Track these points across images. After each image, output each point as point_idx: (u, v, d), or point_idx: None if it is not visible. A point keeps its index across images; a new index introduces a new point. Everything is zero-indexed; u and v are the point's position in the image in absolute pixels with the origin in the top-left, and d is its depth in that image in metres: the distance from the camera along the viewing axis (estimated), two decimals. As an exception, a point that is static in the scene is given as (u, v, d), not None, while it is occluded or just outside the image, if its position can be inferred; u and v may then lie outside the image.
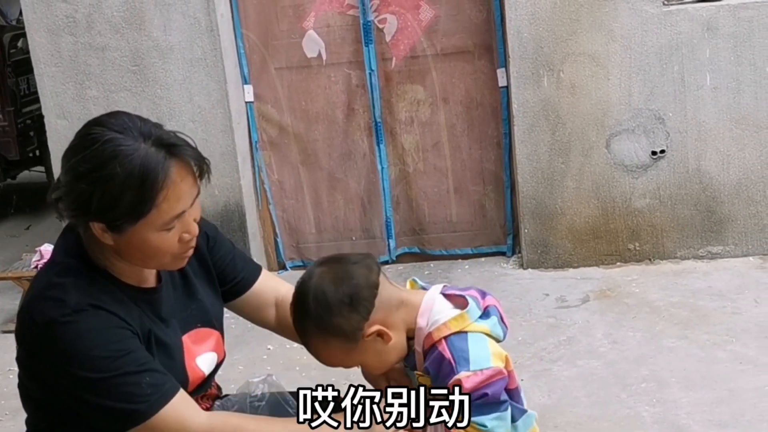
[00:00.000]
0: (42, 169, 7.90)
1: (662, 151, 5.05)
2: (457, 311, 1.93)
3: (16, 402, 4.05)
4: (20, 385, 2.09)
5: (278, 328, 2.34)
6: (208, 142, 5.12)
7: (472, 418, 1.85)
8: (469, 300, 1.95)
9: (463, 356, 1.87)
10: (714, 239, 5.13)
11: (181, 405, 1.90)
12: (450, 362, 1.86)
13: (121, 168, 1.82)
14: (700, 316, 4.41)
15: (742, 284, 4.75)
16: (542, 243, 5.23)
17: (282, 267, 5.67)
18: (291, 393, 2.22)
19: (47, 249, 5.16)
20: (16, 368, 4.84)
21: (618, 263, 5.18)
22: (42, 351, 1.90)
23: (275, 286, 2.34)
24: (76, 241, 1.97)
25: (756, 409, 3.51)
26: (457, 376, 1.85)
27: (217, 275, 2.25)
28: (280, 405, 2.18)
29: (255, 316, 2.33)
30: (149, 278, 2.06)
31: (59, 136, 5.25)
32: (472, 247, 5.54)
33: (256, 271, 2.34)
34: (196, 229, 1.95)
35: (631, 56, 4.94)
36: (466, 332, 1.90)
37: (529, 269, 5.22)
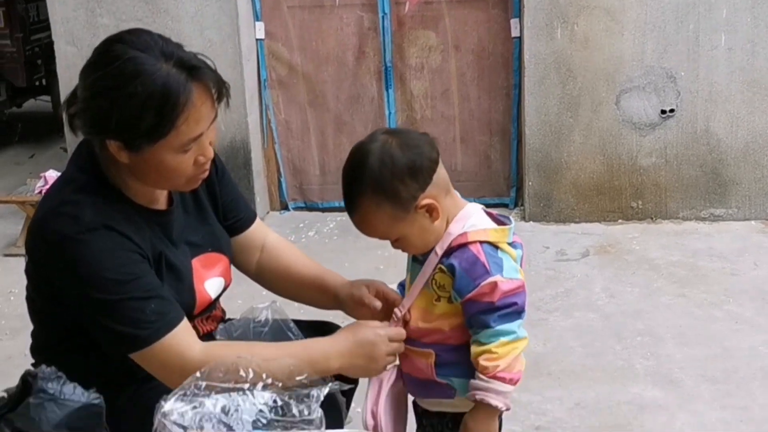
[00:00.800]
0: (48, 98, 7.88)
1: (672, 110, 5.03)
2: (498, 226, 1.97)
3: (17, 322, 4.15)
4: (28, 298, 2.11)
5: (256, 272, 2.36)
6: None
7: (500, 326, 1.89)
8: (512, 221, 2.00)
9: (496, 263, 1.90)
10: (717, 201, 5.14)
11: (182, 335, 1.92)
12: (484, 265, 1.89)
13: (143, 87, 1.81)
14: (699, 276, 4.43)
15: (743, 247, 4.76)
16: (545, 196, 5.24)
17: (284, 207, 5.68)
18: (294, 321, 2.24)
19: (52, 175, 5.16)
20: (16, 290, 4.90)
21: (620, 220, 5.18)
22: (53, 266, 1.92)
23: (264, 233, 2.37)
24: (91, 158, 1.97)
25: (749, 368, 3.53)
26: (492, 279, 1.88)
27: (221, 208, 2.26)
28: (282, 332, 2.20)
29: (238, 258, 2.33)
30: (161, 200, 2.07)
31: (68, 63, 5.23)
32: (475, 197, 5.52)
33: (253, 216, 2.37)
34: (211, 153, 1.96)
35: (646, 12, 4.90)
36: (499, 247, 1.92)
37: (531, 222, 5.22)
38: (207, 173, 2.01)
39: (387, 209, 1.90)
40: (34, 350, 2.14)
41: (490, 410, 1.93)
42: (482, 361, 1.90)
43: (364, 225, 1.95)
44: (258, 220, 2.38)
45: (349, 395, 2.26)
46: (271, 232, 2.40)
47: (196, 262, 2.12)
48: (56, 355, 2.02)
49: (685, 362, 3.60)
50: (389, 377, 2.02)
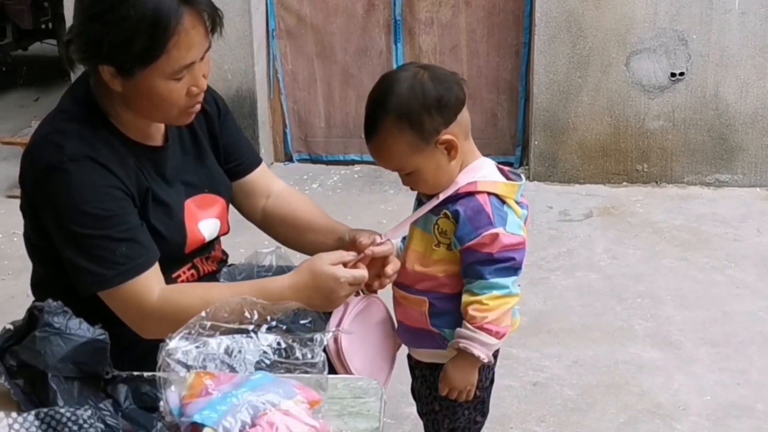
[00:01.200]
0: (54, 41, 7.82)
1: (681, 74, 5.00)
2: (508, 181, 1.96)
3: (19, 263, 4.16)
4: (25, 235, 2.11)
5: (262, 220, 2.33)
6: (224, 26, 5.04)
7: (494, 279, 1.89)
8: (522, 179, 2.00)
9: (501, 215, 1.91)
10: (723, 167, 5.12)
11: (146, 281, 1.91)
12: (489, 215, 1.89)
13: (134, 11, 1.81)
14: (702, 240, 4.43)
15: (747, 213, 4.76)
16: (551, 156, 5.22)
17: (289, 159, 5.66)
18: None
19: (56, 118, 5.15)
20: (19, 231, 4.90)
21: (624, 183, 5.17)
22: (38, 194, 1.93)
23: (271, 180, 2.36)
24: (87, 90, 1.97)
25: (748, 332, 3.55)
26: (494, 230, 1.88)
27: (222, 150, 2.25)
28: (286, 277, 2.19)
29: (243, 203, 2.33)
30: (156, 136, 2.06)
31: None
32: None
33: (258, 159, 2.35)
34: (204, 84, 1.95)
35: (660, -27, 4.85)
36: (506, 201, 1.93)
37: (536, 181, 5.21)
38: (199, 107, 2.00)
39: (408, 137, 1.89)
40: (34, 287, 2.15)
41: (472, 360, 1.94)
42: (471, 311, 1.91)
43: (382, 150, 1.94)
44: (264, 166, 2.36)
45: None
46: (278, 180, 2.38)
47: (191, 202, 2.11)
48: (54, 292, 2.03)
49: (684, 325, 3.61)
50: (356, 302, 2.00)
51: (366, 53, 5.46)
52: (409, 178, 1.97)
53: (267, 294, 1.85)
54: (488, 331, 1.91)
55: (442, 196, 1.95)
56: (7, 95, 7.55)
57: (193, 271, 2.11)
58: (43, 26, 7.60)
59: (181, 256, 2.08)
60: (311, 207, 2.33)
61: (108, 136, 1.95)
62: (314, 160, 5.67)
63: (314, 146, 5.67)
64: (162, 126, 2.08)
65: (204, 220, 2.14)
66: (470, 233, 1.90)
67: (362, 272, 1.93)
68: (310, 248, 2.30)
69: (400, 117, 1.88)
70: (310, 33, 5.45)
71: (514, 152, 5.49)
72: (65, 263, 1.94)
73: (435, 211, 1.97)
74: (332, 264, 1.91)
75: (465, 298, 1.93)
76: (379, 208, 4.81)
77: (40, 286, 2.13)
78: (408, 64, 1.97)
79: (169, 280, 2.03)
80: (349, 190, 5.20)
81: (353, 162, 5.60)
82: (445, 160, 1.93)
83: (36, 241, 2.06)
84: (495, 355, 2.07)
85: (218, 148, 2.23)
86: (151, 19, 1.81)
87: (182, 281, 2.08)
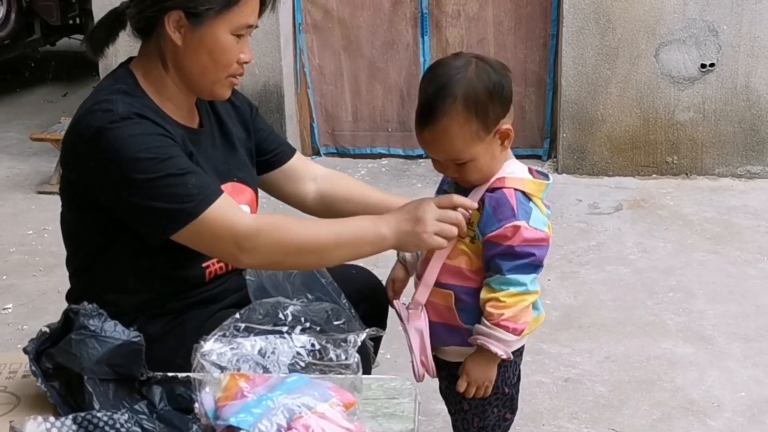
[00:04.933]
0: (82, 37, 7.87)
1: (712, 65, 4.94)
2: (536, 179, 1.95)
3: (51, 259, 4.19)
4: (62, 221, 2.11)
5: (319, 201, 2.33)
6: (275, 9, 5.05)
7: (512, 276, 1.87)
8: (550, 179, 1.98)
9: (525, 210, 1.89)
10: (754, 158, 5.07)
11: (228, 206, 1.92)
12: (513, 208, 1.87)
13: None
14: (733, 233, 4.38)
15: (779, 205, 4.71)
16: (579, 149, 5.19)
17: (316, 152, 5.66)
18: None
19: (85, 114, 5.18)
20: (50, 227, 4.96)
21: (654, 175, 5.13)
22: (90, 161, 1.92)
23: (311, 166, 2.38)
24: (128, 73, 2.01)
25: (781, 327, 3.51)
26: (516, 222, 1.86)
27: (256, 146, 2.27)
28: (313, 275, 2.15)
29: (291, 189, 2.33)
30: (193, 120, 2.09)
31: (104, 2, 5.20)
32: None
33: (292, 149, 2.37)
34: (251, 55, 2.02)
35: (690, -37, 4.80)
36: (531, 198, 1.91)
37: (564, 174, 5.18)
38: (238, 82, 2.04)
39: (473, 126, 1.85)
40: (71, 276, 2.15)
41: (490, 356, 1.93)
42: (488, 307, 1.89)
43: (442, 139, 1.88)
44: (300, 154, 2.39)
45: (376, 341, 2.27)
46: (318, 167, 2.40)
47: (224, 187, 2.12)
48: (91, 279, 2.06)
49: (716, 319, 3.58)
50: (426, 325, 2.00)
51: (393, 47, 5.45)
52: (462, 168, 1.91)
53: (362, 226, 1.92)
54: (505, 328, 1.89)
55: (483, 189, 1.93)
56: (36, 91, 7.60)
57: (222, 263, 2.10)
58: (71, 22, 7.66)
59: None
60: (362, 184, 2.37)
61: (152, 106, 1.98)
62: (341, 154, 5.66)
63: (341, 140, 5.66)
64: (195, 112, 2.11)
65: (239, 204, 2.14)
66: (493, 224, 1.88)
67: (458, 215, 1.90)
68: None
69: (468, 106, 1.84)
70: (336, 27, 5.45)
71: (542, 145, 5.46)
72: (135, 222, 1.93)
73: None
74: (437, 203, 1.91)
75: (483, 293, 1.91)
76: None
77: (76, 273, 2.13)
78: (458, 54, 1.94)
79: (198, 268, 2.04)
80: (377, 184, 5.18)
81: (380, 155, 5.59)
82: (499, 150, 1.91)
83: (74, 221, 2.06)
84: (520, 351, 2.05)
85: (251, 145, 2.24)
86: None
87: (210, 272, 2.08)
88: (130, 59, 2.06)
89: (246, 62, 2.01)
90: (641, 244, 4.30)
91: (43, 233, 4.51)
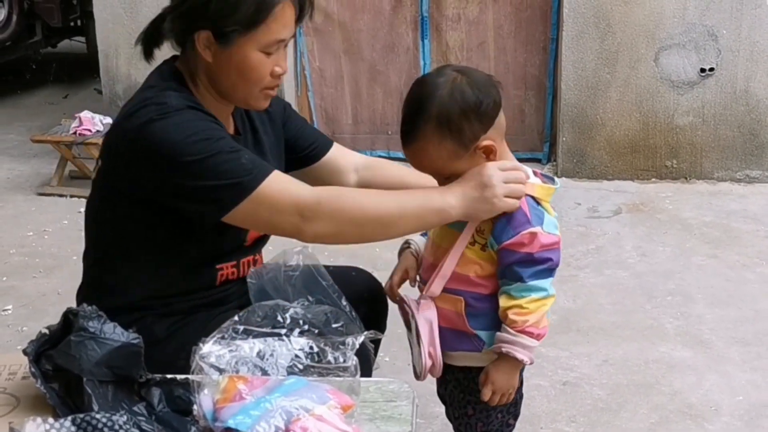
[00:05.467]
0: (83, 39, 7.89)
1: (711, 69, 4.96)
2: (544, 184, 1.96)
3: (51, 260, 4.20)
4: (89, 211, 2.13)
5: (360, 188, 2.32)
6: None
7: (533, 282, 1.88)
8: (557, 183, 1.99)
9: (538, 215, 1.89)
10: (753, 163, 5.08)
11: (285, 178, 1.93)
12: (526, 214, 1.88)
13: None
14: (732, 237, 4.39)
15: (778, 210, 4.72)
16: (579, 152, 5.20)
17: (316, 155, 5.66)
18: (325, 266, 2.24)
19: (87, 116, 5.20)
20: (50, 229, 4.94)
21: (653, 179, 5.14)
22: (139, 152, 1.91)
23: (349, 156, 2.38)
24: (173, 71, 2.02)
25: (780, 331, 3.52)
26: (533, 229, 1.86)
27: (292, 143, 2.28)
28: (313, 277, 2.18)
29: (332, 181, 2.31)
30: (229, 127, 2.10)
31: (106, 4, 5.23)
32: (508, 151, 5.50)
33: (329, 142, 2.37)
34: (286, 66, 2.01)
35: (690, -32, 4.81)
36: (540, 203, 1.92)
37: (564, 177, 5.19)
38: (275, 93, 2.04)
39: (448, 145, 1.87)
40: (87, 267, 2.16)
41: (514, 363, 1.94)
42: (511, 315, 1.89)
43: (421, 157, 1.91)
44: (339, 145, 2.38)
45: (376, 344, 2.27)
46: (357, 155, 2.40)
47: None
48: (107, 270, 2.08)
49: (715, 323, 3.59)
50: (436, 317, 1.99)
51: (393, 50, 5.46)
52: (446, 182, 1.95)
53: (427, 195, 1.91)
54: (529, 334, 1.90)
55: None
56: (37, 92, 7.61)
57: (234, 269, 2.12)
58: (72, 24, 7.67)
59: (240, 246, 2.10)
60: (405, 169, 2.32)
61: (200, 105, 1.99)
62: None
63: (341, 142, 5.52)
64: (231, 120, 2.12)
65: None
66: (508, 232, 1.88)
67: (521, 174, 1.90)
68: None
69: (440, 125, 1.86)
70: (337, 30, 5.46)
71: (542, 148, 5.47)
72: (190, 205, 1.92)
73: None
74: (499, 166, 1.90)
75: (503, 301, 1.91)
76: (406, 205, 4.80)
77: (92, 263, 2.13)
78: (443, 68, 1.94)
79: (212, 270, 2.05)
80: (377, 187, 5.19)
81: (381, 158, 5.58)
82: (488, 162, 1.91)
83: (104, 212, 2.06)
84: None
85: (281, 146, 2.25)
86: None
87: (222, 276, 2.09)
88: (175, 57, 2.07)
89: (280, 74, 2.00)
90: (640, 247, 4.31)
91: (44, 235, 4.52)
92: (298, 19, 2.00)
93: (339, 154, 2.35)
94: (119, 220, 2.03)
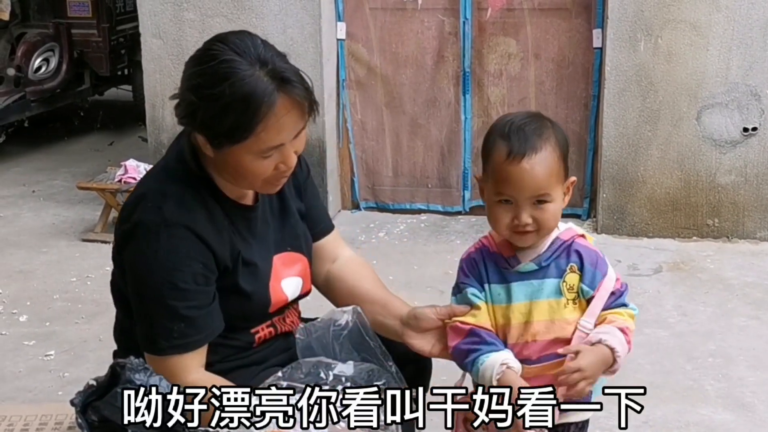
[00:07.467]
0: (129, 87, 8.04)
1: (754, 129, 4.94)
2: None
3: (93, 307, 4.25)
4: (112, 282, 2.17)
5: (324, 283, 2.34)
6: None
7: (628, 308, 2.03)
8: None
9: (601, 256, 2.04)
10: (797, 223, 5.04)
11: (187, 362, 1.97)
12: (604, 259, 2.03)
13: (230, 90, 1.87)
14: (775, 299, 4.35)
15: (821, 271, 4.66)
16: (619, 209, 5.18)
17: (356, 207, 5.71)
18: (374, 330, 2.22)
19: (132, 164, 5.28)
20: (93, 275, 5.00)
21: (695, 237, 5.11)
22: (124, 246, 2.00)
23: (340, 246, 2.38)
24: (190, 146, 2.04)
25: (823, 396, 3.46)
26: (611, 273, 2.02)
27: (302, 213, 2.28)
28: (361, 337, 2.16)
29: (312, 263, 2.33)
30: (248, 195, 2.12)
31: (153, 56, 5.33)
32: (547, 206, 5.50)
33: (331, 225, 2.39)
34: (293, 162, 1.99)
35: (733, 28, 4.82)
36: None
37: (603, 234, 5.17)
38: (285, 180, 2.04)
39: (561, 165, 1.96)
40: (116, 334, 2.20)
41: (606, 354, 1.98)
42: (611, 317, 2.00)
43: (542, 167, 1.92)
44: (336, 232, 2.39)
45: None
46: (347, 248, 2.40)
47: (277, 260, 2.15)
48: (133, 341, 2.08)
49: (757, 386, 3.54)
50: None
51: (435, 104, 5.51)
52: (540, 209, 1.93)
53: None
54: (626, 335, 1.99)
55: (549, 252, 2.00)
56: (83, 139, 7.75)
57: (271, 329, 2.14)
58: (119, 73, 7.82)
59: (265, 314, 2.11)
60: (373, 278, 2.32)
61: (207, 198, 2.01)
62: (381, 209, 5.70)
63: (381, 195, 5.71)
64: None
65: (287, 278, 2.17)
66: (597, 276, 1.99)
67: None
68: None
69: (559, 145, 1.96)
70: (379, 84, 5.52)
71: (582, 204, 5.46)
72: (133, 312, 2.01)
73: (550, 274, 1.99)
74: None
75: (620, 321, 2.00)
76: (445, 258, 4.81)
77: (122, 333, 2.17)
78: (528, 112, 2.10)
79: (247, 335, 2.07)
80: (416, 239, 5.21)
81: (420, 211, 5.62)
82: (562, 203, 1.98)
83: (123, 287, 2.10)
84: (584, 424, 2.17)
85: (302, 208, 2.27)
86: (243, 101, 1.86)
87: (260, 338, 2.12)
88: None
89: (285, 170, 1.98)
90: (681, 307, 4.27)
91: (87, 281, 4.58)
92: (309, 111, 1.97)
93: (329, 243, 2.36)
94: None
